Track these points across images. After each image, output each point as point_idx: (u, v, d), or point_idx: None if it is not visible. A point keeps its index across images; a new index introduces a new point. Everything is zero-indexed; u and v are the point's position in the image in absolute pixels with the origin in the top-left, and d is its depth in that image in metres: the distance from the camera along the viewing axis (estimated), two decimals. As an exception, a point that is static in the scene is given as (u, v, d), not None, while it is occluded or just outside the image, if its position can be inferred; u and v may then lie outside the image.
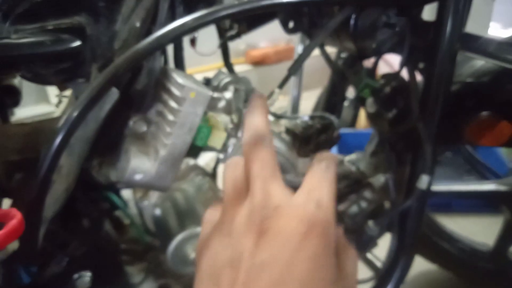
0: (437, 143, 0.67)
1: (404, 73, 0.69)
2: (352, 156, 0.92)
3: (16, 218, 0.35)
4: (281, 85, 0.59)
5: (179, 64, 0.56)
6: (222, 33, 0.74)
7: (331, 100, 0.96)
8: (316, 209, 0.28)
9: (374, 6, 0.58)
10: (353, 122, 2.51)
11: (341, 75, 0.89)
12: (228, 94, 0.67)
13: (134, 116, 0.52)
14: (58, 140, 0.41)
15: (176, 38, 0.41)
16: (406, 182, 0.75)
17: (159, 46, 0.41)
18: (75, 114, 0.41)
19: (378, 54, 0.66)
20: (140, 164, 0.49)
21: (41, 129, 0.63)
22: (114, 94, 0.47)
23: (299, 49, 1.19)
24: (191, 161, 0.76)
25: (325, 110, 0.95)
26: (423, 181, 0.65)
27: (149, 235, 0.77)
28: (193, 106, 0.47)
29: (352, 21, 0.60)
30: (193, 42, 0.75)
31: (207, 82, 0.68)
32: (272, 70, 3.72)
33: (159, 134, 0.50)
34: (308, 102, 1.64)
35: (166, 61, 0.59)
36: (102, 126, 0.49)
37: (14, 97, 0.65)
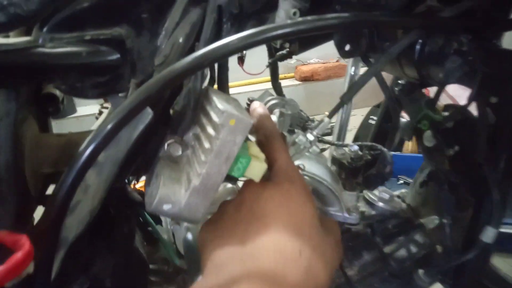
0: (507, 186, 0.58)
1: (472, 107, 0.62)
2: (403, 192, 0.84)
3: (23, 249, 0.32)
4: (331, 114, 0.54)
5: (223, 85, 0.51)
6: (272, 52, 0.69)
7: (383, 129, 0.88)
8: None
9: (444, 31, 0.51)
10: (399, 147, 2.38)
11: (397, 102, 0.82)
12: (273, 118, 0.62)
13: (169, 138, 0.48)
14: (83, 158, 0.38)
15: (218, 58, 0.37)
16: (466, 230, 0.66)
17: (199, 67, 0.37)
18: (103, 132, 0.37)
19: (444, 84, 0.59)
20: (169, 193, 0.44)
21: (77, 141, 0.61)
22: (148, 114, 0.43)
23: (351, 70, 1.13)
24: (228, 185, 0.71)
25: (376, 139, 0.88)
26: (488, 234, 0.56)
27: (180, 257, 0.73)
28: (232, 134, 0.42)
29: (418, 46, 0.53)
30: (241, 60, 0.71)
31: (251, 102, 0.64)
32: (321, 87, 3.65)
33: (193, 161, 0.46)
34: (353, 120, 1.56)
35: (213, 80, 0.54)
36: (135, 147, 0.46)
37: (54, 106, 0.64)
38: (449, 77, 0.55)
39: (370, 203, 0.72)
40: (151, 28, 0.47)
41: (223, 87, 0.51)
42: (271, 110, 0.64)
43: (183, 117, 0.48)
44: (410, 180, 1.74)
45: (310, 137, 0.53)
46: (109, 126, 0.37)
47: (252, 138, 0.53)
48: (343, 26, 0.42)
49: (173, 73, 0.36)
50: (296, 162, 0.59)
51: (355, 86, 0.52)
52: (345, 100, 0.52)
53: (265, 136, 0.49)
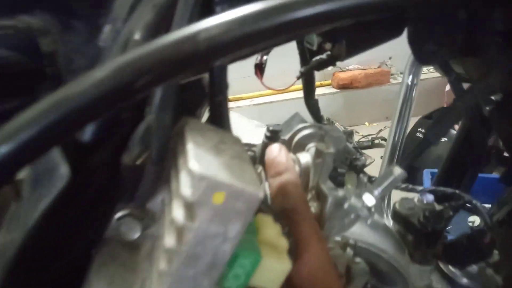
0: None
1: None
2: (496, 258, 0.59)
3: None
4: (404, 162, 0.31)
5: (217, 109, 0.29)
6: (305, 57, 0.47)
7: (459, 159, 0.64)
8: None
9: None
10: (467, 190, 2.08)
11: (484, 124, 0.58)
12: (306, 158, 0.40)
13: (120, 209, 0.27)
14: None
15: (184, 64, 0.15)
16: None
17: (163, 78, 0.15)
18: None
19: None
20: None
21: None
22: (60, 177, 0.23)
23: (409, 79, 0.88)
24: None
25: (447, 175, 0.63)
26: None
27: None
28: (219, 223, 0.21)
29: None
30: (259, 68, 0.49)
31: (273, 135, 0.42)
32: (361, 95, 3.38)
33: (155, 259, 0.24)
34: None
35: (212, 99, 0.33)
36: (51, 228, 0.25)
37: None
38: None
39: (449, 278, 0.49)
40: (87, 18, 0.27)
41: (220, 118, 0.29)
42: (303, 144, 0.42)
43: (142, 173, 0.27)
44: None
45: (370, 200, 0.31)
46: None
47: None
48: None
49: (105, 83, 0.15)
50: (340, 237, 0.37)
51: (446, 120, 0.29)
52: (433, 140, 0.29)
53: (284, 212, 0.28)
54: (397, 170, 0.31)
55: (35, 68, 0.26)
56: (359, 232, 0.42)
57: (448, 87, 2.46)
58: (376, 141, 2.80)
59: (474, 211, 0.44)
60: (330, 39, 0.41)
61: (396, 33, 0.36)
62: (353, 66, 3.46)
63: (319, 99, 0.61)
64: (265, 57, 0.48)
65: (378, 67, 3.45)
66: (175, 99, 0.25)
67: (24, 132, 0.16)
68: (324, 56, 0.45)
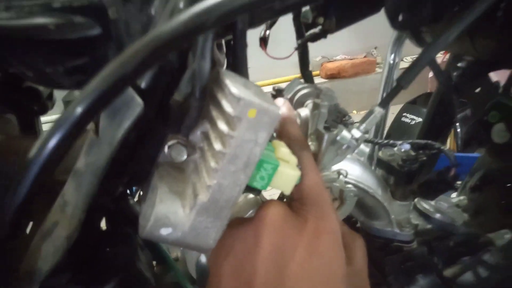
0: None
1: None
2: (462, 199, 0.69)
3: None
4: (384, 103, 0.41)
5: (240, 66, 0.39)
6: (301, 31, 0.57)
7: (435, 123, 0.74)
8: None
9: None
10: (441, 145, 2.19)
11: (455, 90, 0.67)
12: (305, 111, 0.50)
13: (171, 138, 0.36)
14: (37, 162, 0.26)
15: (231, 14, 0.24)
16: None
17: (200, 27, 0.24)
18: (65, 125, 0.25)
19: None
20: (169, 212, 0.32)
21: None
22: (136, 106, 0.31)
23: (390, 58, 0.98)
24: (250, 195, 0.59)
25: (426, 136, 0.73)
26: None
27: (191, 283, 0.61)
28: (252, 131, 0.30)
29: (500, 11, 0.40)
30: (264, 41, 0.59)
31: (278, 93, 0.51)
32: (348, 84, 3.49)
33: (202, 169, 0.33)
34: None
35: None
36: (122, 149, 0.34)
37: (39, 102, 0.53)
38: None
39: (424, 215, 0.58)
40: (142, -8, 0.35)
41: (241, 69, 0.39)
42: (302, 101, 0.51)
43: (187, 110, 0.35)
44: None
45: (356, 133, 0.40)
46: (70, 119, 0.25)
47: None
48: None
49: (160, 38, 0.24)
50: (336, 167, 0.46)
51: (416, 66, 0.39)
52: (404, 84, 0.39)
53: (288, 146, 0.37)
54: (377, 109, 0.40)
55: (104, 31, 0.35)
56: (351, 171, 0.51)
57: (431, 74, 2.57)
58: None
59: (444, 157, 0.54)
60: (323, 15, 0.51)
61: (375, 9, 0.45)
62: (340, 56, 3.56)
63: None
64: (268, 32, 0.57)
65: (364, 56, 3.56)
66: (211, 52, 0.34)
67: (132, 55, 0.25)
68: (317, 30, 0.54)
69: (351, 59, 3.53)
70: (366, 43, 3.52)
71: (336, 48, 3.46)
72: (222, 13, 0.24)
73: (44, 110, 0.54)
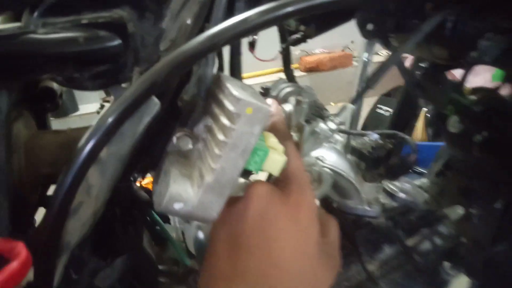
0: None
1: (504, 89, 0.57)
2: (423, 181, 0.79)
3: (19, 258, 0.28)
4: (355, 101, 0.49)
5: (235, 71, 0.47)
6: (284, 36, 0.65)
7: (402, 116, 0.83)
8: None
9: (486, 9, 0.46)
10: (408, 134, 2.32)
11: (418, 87, 0.77)
12: (288, 107, 0.58)
13: (178, 131, 0.44)
14: (83, 155, 0.33)
15: (233, 38, 0.32)
16: (497, 220, 0.61)
17: (212, 47, 0.32)
18: (105, 126, 0.33)
19: (476, 64, 0.54)
20: (181, 190, 0.40)
21: (76, 138, 0.56)
22: (154, 105, 0.39)
23: (364, 56, 1.07)
24: (241, 180, 0.67)
25: (394, 127, 0.83)
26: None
27: (191, 257, 0.69)
28: (249, 125, 0.38)
29: (449, 24, 0.48)
30: (252, 45, 0.66)
31: (265, 92, 0.59)
32: (327, 77, 3.59)
33: (206, 156, 0.41)
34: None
35: (221, 68, 0.50)
36: (141, 141, 0.41)
37: (52, 101, 0.59)
38: (483, 57, 0.50)
39: (390, 195, 0.68)
40: (155, 10, 0.43)
41: (236, 74, 0.47)
42: (286, 98, 0.59)
43: (193, 107, 0.43)
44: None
45: (332, 125, 0.49)
46: (110, 119, 0.32)
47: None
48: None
49: (182, 56, 0.31)
50: (315, 153, 0.54)
51: (381, 68, 0.47)
52: (371, 84, 0.47)
53: (275, 136, 0.45)
54: (349, 106, 0.49)
55: (123, 43, 0.42)
56: (328, 157, 0.59)
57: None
58: (341, 119, 3.01)
59: (406, 145, 0.63)
60: (304, 23, 0.59)
61: (347, 18, 0.53)
62: (319, 50, 3.66)
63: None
64: (255, 37, 0.65)
65: (342, 50, 3.67)
66: (213, 61, 0.42)
67: (160, 69, 0.32)
68: (298, 35, 0.62)
69: (329, 53, 3.62)
70: (343, 38, 3.62)
71: (315, 42, 3.55)
72: (230, 36, 0.32)
73: (55, 108, 0.61)
